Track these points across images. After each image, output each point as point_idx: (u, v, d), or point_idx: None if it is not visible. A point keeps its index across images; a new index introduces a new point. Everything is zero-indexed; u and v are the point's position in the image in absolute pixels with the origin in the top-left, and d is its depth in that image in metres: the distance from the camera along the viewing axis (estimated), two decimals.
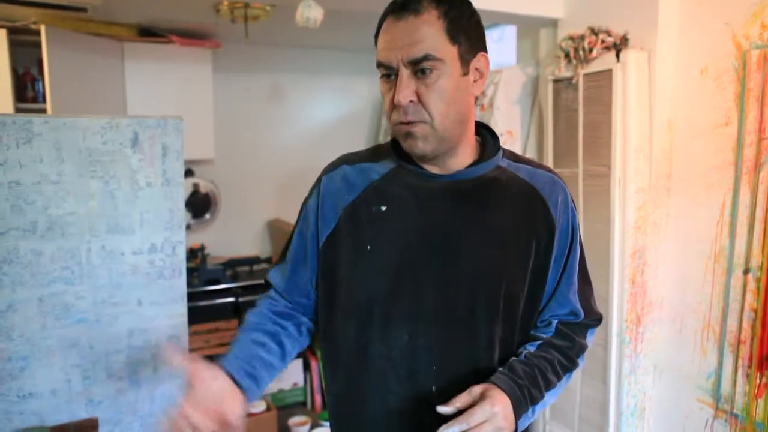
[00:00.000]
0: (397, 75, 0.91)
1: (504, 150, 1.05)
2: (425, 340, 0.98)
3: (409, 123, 0.92)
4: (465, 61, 0.93)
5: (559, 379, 1.05)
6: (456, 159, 1.00)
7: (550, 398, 1.03)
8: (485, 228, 0.99)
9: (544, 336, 1.07)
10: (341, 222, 1.02)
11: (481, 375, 0.98)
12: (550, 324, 1.09)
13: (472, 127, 1.01)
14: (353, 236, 1.01)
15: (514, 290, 1.00)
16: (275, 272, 1.13)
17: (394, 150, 1.03)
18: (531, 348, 1.05)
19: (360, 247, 1.00)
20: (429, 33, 0.89)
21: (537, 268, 1.02)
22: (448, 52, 0.90)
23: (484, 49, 0.97)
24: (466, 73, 0.94)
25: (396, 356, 0.99)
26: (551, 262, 1.04)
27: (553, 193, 1.03)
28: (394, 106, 0.92)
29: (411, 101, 0.90)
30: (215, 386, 0.92)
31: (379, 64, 0.93)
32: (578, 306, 1.09)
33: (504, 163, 1.03)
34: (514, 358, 1.02)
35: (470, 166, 1.00)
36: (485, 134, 1.06)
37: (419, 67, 0.89)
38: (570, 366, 1.07)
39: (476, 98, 1.01)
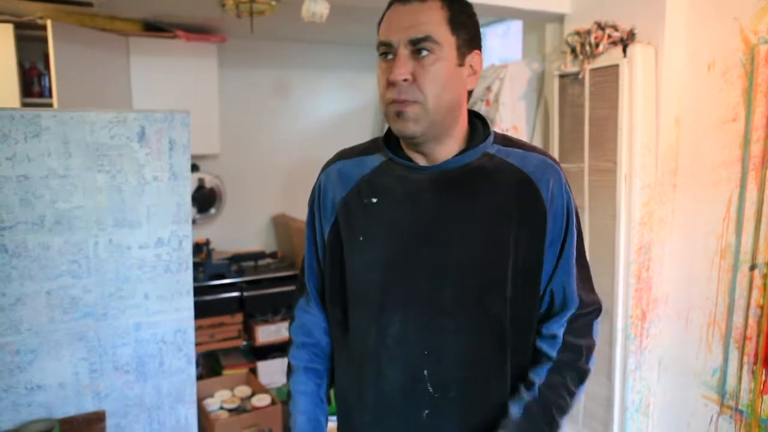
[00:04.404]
0: (395, 55, 0.94)
1: (496, 135, 1.05)
2: (417, 327, 1.00)
3: (402, 102, 0.94)
4: (461, 53, 0.96)
5: (573, 396, 1.06)
6: (443, 148, 1.01)
7: (565, 420, 1.06)
8: (472, 216, 1.00)
9: (553, 354, 1.07)
10: (338, 216, 1.06)
11: (472, 360, 1.01)
12: (555, 337, 1.07)
13: (463, 120, 1.03)
14: (348, 229, 1.05)
15: (504, 277, 1.01)
16: (302, 275, 1.19)
17: (386, 143, 1.06)
18: (542, 374, 1.05)
19: (354, 238, 1.04)
20: (432, 18, 0.93)
21: (529, 253, 1.02)
22: (447, 39, 0.94)
23: (479, 49, 1.00)
24: (461, 65, 0.97)
25: (390, 343, 1.02)
26: (545, 247, 1.03)
27: (545, 176, 1.02)
28: (389, 85, 0.95)
29: (406, 80, 0.93)
30: None
31: (380, 44, 0.96)
32: (575, 296, 1.07)
33: (493, 149, 1.03)
34: (527, 395, 1.04)
35: (457, 155, 1.01)
36: (476, 122, 1.06)
37: (418, 47, 0.93)
38: (583, 376, 1.08)
39: (469, 94, 1.03)
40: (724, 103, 1.97)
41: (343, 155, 1.11)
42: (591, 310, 1.10)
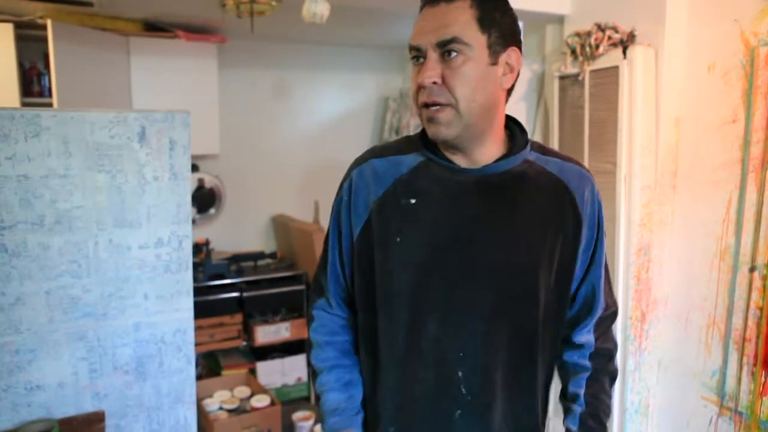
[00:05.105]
0: (425, 58, 0.94)
1: (532, 143, 1.06)
2: (452, 330, 1.00)
3: (433, 106, 0.94)
4: (494, 51, 0.95)
5: (611, 398, 1.14)
6: (483, 151, 1.00)
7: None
8: (513, 222, 1.00)
9: (586, 363, 1.13)
10: (372, 215, 1.04)
11: (504, 363, 1.02)
12: (583, 347, 1.13)
13: (501, 121, 1.02)
14: (383, 229, 1.03)
15: (540, 283, 1.02)
16: (321, 276, 1.16)
17: (423, 143, 1.04)
18: (582, 384, 1.12)
19: (390, 239, 1.02)
20: (459, 18, 0.92)
21: (564, 260, 1.04)
22: (476, 39, 0.92)
23: (517, 46, 0.99)
24: (494, 64, 0.95)
25: (424, 345, 1.01)
26: (579, 254, 1.06)
27: (581, 187, 1.04)
28: (419, 89, 0.95)
29: (435, 83, 0.93)
30: None
31: (410, 48, 0.96)
32: (602, 299, 1.12)
33: (532, 156, 1.04)
34: (578, 407, 1.11)
35: (499, 160, 1.01)
36: (513, 127, 1.06)
37: (446, 49, 0.92)
38: (614, 377, 1.16)
39: (509, 93, 1.02)
40: (723, 105, 1.97)
41: (377, 153, 1.08)
42: (611, 312, 1.15)
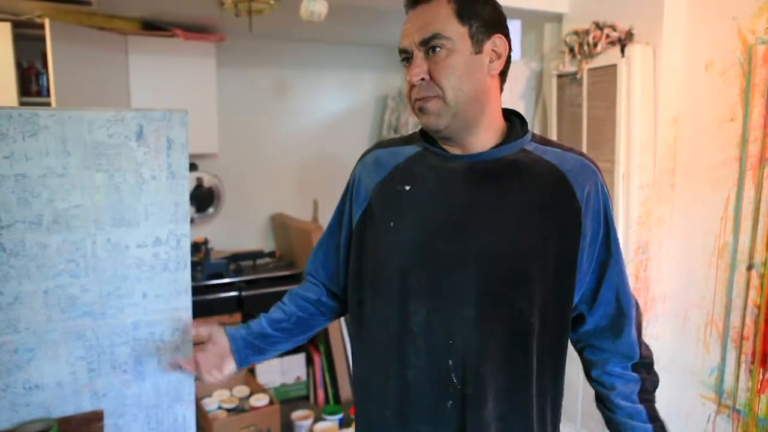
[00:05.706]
0: (413, 58, 0.99)
1: (534, 135, 1.07)
2: (442, 316, 1.00)
3: (423, 99, 0.98)
4: (477, 41, 0.97)
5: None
6: (477, 139, 1.02)
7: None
8: (503, 208, 1.00)
9: (632, 374, 1.11)
10: (372, 202, 1.09)
11: (494, 355, 1.00)
12: (630, 357, 1.11)
13: (494, 109, 1.03)
14: (379, 214, 1.07)
15: (532, 272, 1.00)
16: (315, 250, 1.26)
17: (422, 134, 1.09)
18: (634, 398, 1.11)
19: (384, 224, 1.05)
20: (438, 15, 0.96)
21: (562, 252, 1.02)
22: (457, 31, 0.96)
23: (502, 33, 1.00)
24: (478, 52, 0.98)
25: (414, 330, 1.01)
26: (582, 246, 1.03)
27: (581, 176, 1.02)
28: (411, 87, 1.00)
29: (422, 79, 0.97)
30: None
31: (399, 51, 1.01)
32: (631, 298, 1.10)
33: (530, 146, 1.04)
34: (649, 426, 1.10)
35: (492, 148, 1.02)
36: (515, 120, 1.08)
37: (429, 46, 0.96)
38: (657, 384, 1.14)
39: (503, 80, 1.04)
40: (722, 103, 1.97)
41: (381, 145, 1.15)
42: (640, 312, 1.14)
